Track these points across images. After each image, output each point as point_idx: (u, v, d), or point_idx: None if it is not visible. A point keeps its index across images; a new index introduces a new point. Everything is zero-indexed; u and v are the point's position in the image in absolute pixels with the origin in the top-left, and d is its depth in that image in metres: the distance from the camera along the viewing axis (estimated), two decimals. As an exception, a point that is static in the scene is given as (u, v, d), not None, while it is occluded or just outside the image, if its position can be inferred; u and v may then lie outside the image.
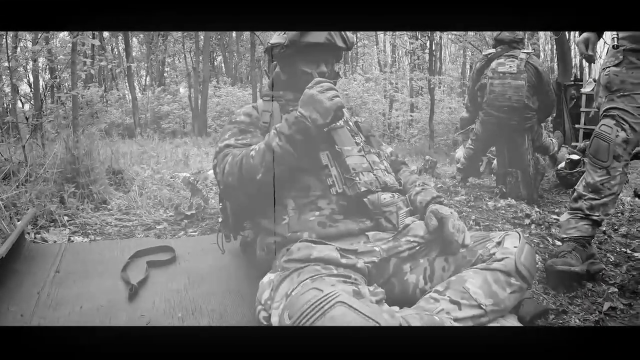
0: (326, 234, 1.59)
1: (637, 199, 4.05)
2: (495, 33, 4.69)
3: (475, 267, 1.52)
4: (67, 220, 3.01)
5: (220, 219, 2.01)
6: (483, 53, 4.81)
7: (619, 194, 2.36)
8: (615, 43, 2.14)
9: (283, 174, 1.60)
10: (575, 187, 2.43)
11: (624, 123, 2.23)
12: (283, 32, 1.85)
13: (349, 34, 1.86)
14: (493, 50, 4.54)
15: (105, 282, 1.96)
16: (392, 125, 19.69)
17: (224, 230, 2.00)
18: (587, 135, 7.51)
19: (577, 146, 6.58)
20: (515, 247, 1.53)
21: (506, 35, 4.44)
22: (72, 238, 2.75)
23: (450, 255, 1.60)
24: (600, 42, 2.48)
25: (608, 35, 2.36)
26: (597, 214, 2.32)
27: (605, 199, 2.30)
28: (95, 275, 2.05)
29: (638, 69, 2.21)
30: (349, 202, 1.65)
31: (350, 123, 1.95)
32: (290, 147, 1.55)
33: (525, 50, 4.40)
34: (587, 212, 2.33)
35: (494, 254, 1.53)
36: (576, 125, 7.68)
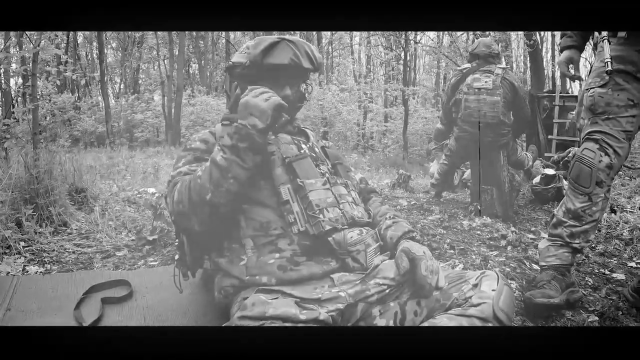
0: (287, 278, 1.47)
1: (613, 214, 4.00)
2: (470, 47, 4.64)
3: (449, 312, 1.42)
4: (23, 247, 2.86)
5: (176, 256, 1.86)
6: (458, 68, 4.75)
7: (600, 220, 2.27)
8: (609, 68, 2.01)
9: (234, 189, 1.47)
10: (555, 212, 2.33)
11: (608, 147, 2.13)
12: (244, 51, 1.72)
13: (317, 53, 1.74)
14: (468, 65, 4.48)
15: (58, 322, 1.83)
16: (366, 136, 19.71)
17: (181, 268, 1.86)
18: (560, 145, 7.56)
19: (551, 157, 6.56)
20: (493, 290, 1.42)
21: (482, 49, 4.40)
22: (27, 268, 2.60)
23: (423, 299, 1.49)
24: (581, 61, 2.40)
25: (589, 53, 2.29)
26: (578, 242, 2.23)
27: (586, 226, 2.21)
28: (48, 313, 1.92)
29: (624, 91, 2.11)
30: (312, 241, 1.53)
31: (316, 149, 1.82)
32: (236, 157, 1.44)
33: (501, 66, 4.35)
34: (568, 240, 2.23)
35: (470, 297, 1.43)
36: (549, 137, 7.71)
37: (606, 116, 2.15)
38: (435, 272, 1.46)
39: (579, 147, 2.28)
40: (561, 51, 2.41)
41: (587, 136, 2.21)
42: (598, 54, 2.21)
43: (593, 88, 2.20)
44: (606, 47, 2.04)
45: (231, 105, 1.85)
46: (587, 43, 2.42)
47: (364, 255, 1.55)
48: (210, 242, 1.67)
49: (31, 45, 3.87)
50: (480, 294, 1.42)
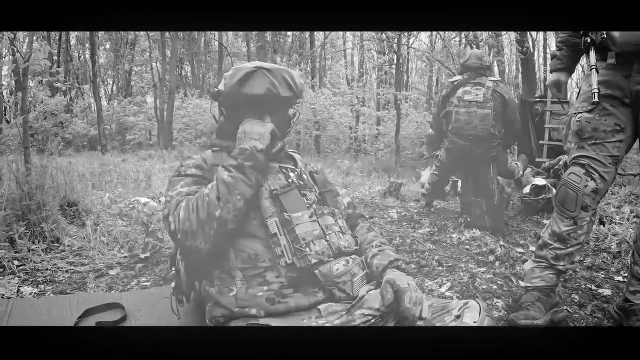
0: (275, 310, 1.51)
1: (601, 226, 4.04)
2: (462, 59, 4.66)
3: None
4: (17, 266, 2.86)
5: (172, 284, 1.89)
6: (449, 80, 4.77)
7: (585, 243, 2.29)
8: (596, 100, 2.01)
9: (240, 205, 1.54)
10: (541, 233, 2.36)
11: (594, 172, 2.15)
12: (223, 80, 1.76)
13: (298, 79, 1.76)
14: (459, 77, 4.50)
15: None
16: (358, 139, 19.72)
17: (177, 295, 1.89)
18: (551, 150, 7.60)
19: (542, 163, 6.60)
20: (474, 322, 1.45)
21: (473, 61, 4.41)
22: (21, 289, 2.60)
23: None
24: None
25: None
26: (563, 264, 2.25)
27: (571, 249, 2.23)
28: (43, 337, 1.93)
29: (611, 116, 2.13)
30: (299, 273, 1.56)
31: (304, 175, 1.85)
32: (241, 174, 1.55)
33: (492, 78, 4.36)
34: (552, 262, 2.26)
35: None
36: (540, 141, 7.75)
37: (593, 141, 2.17)
38: (419, 303, 1.49)
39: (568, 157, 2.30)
40: (550, 73, 2.45)
41: (573, 160, 2.23)
42: (586, 78, 2.23)
43: (580, 113, 2.21)
44: (594, 76, 2.05)
45: (217, 130, 1.89)
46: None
47: (350, 285, 1.59)
48: (202, 269, 1.70)
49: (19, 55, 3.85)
50: (462, 325, 1.46)
